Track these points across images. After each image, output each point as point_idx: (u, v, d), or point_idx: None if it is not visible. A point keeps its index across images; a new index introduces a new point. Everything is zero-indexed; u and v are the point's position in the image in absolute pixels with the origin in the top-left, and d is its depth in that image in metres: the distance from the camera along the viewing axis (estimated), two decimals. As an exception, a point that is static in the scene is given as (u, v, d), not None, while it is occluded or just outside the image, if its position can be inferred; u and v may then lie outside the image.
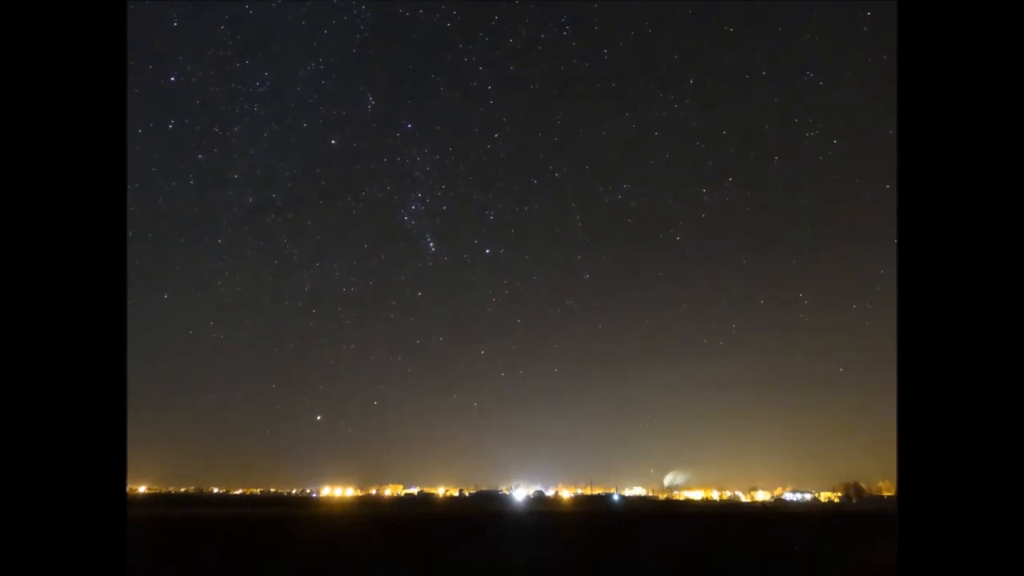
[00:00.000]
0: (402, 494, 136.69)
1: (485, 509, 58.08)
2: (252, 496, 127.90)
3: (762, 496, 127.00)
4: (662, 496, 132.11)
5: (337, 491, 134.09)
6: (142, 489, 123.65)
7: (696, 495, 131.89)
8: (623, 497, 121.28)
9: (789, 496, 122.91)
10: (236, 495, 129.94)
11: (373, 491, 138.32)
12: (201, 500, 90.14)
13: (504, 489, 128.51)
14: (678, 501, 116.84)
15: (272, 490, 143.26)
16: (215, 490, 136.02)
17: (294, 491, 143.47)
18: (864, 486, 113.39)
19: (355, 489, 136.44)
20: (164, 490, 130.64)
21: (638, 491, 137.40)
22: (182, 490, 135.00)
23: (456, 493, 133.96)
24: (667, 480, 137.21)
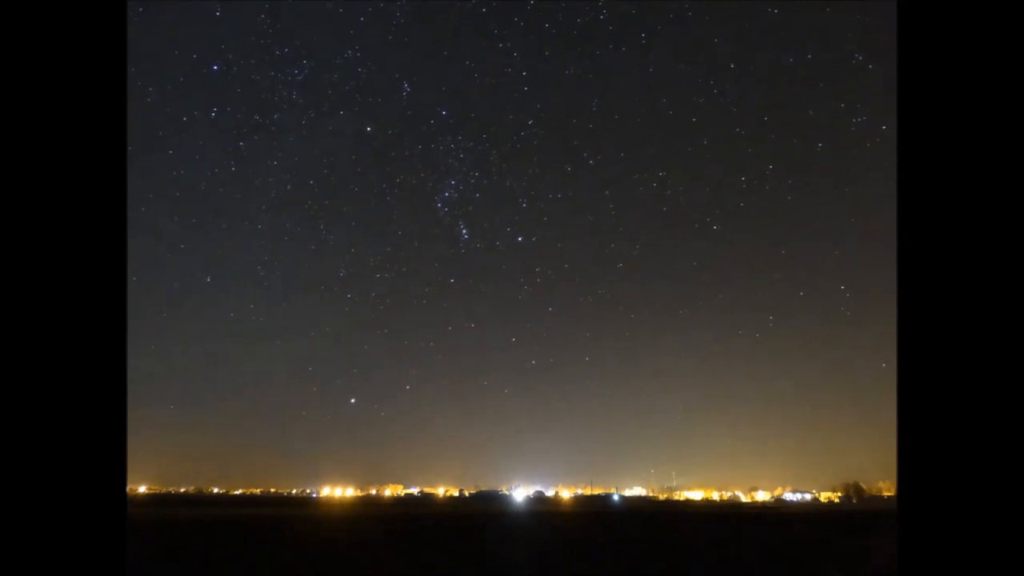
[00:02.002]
0: (402, 494, 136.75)
1: (487, 509, 58.12)
2: (252, 496, 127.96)
3: (762, 496, 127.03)
4: (662, 496, 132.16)
5: (337, 491, 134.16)
6: (142, 489, 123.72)
7: (696, 495, 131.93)
8: (623, 497, 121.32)
9: (789, 496, 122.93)
10: (236, 495, 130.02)
11: (373, 491, 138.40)
12: (201, 500, 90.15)
13: (504, 489, 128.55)
14: (678, 501, 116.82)
15: (272, 490, 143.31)
16: (215, 490, 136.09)
17: (294, 491, 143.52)
18: (864, 486, 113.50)
19: (355, 489, 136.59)
20: (164, 490, 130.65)
21: (638, 491, 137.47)
22: (182, 490, 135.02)
23: (456, 493, 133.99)
24: (668, 480, 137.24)
